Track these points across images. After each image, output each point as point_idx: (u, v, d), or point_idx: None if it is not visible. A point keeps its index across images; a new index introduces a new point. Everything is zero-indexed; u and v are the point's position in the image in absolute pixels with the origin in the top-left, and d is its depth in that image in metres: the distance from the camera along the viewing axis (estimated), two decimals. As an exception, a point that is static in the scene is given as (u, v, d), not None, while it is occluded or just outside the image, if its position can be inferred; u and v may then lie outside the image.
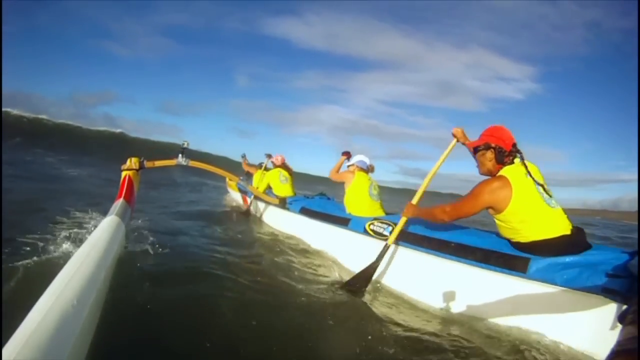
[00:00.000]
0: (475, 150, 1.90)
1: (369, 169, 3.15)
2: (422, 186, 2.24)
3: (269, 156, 5.42)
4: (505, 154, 1.77)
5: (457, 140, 2.20)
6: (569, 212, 1.71)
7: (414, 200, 2.20)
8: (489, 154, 1.80)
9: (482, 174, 1.92)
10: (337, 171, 3.26)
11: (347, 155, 3.26)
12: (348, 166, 3.17)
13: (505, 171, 1.72)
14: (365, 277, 2.13)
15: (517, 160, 1.76)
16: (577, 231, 1.66)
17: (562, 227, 1.63)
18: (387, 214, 2.89)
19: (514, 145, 1.80)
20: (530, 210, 1.63)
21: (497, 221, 1.75)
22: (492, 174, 1.81)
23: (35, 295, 0.98)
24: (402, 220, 2.18)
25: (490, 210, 1.73)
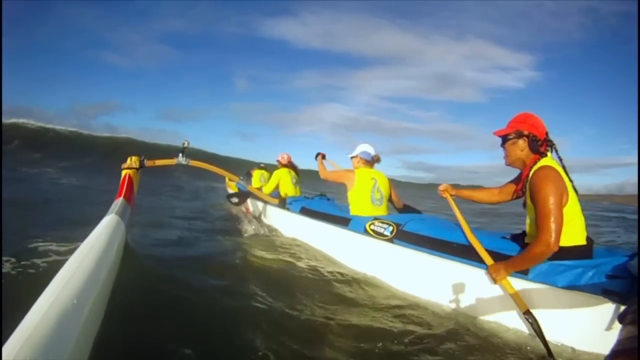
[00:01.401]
0: (503, 140, 1.72)
1: (373, 160, 2.89)
2: (473, 243, 1.76)
3: (252, 171, 5.95)
4: (540, 143, 1.61)
5: (451, 195, 2.13)
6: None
7: (488, 260, 1.66)
8: (522, 143, 1.64)
9: (509, 164, 1.75)
10: (325, 169, 3.11)
11: (322, 156, 3.21)
12: (351, 157, 2.93)
13: (547, 161, 1.56)
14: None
15: (549, 154, 1.62)
16: (589, 242, 1.57)
17: (582, 236, 1.55)
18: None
19: (547, 134, 1.64)
20: (575, 210, 1.50)
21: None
22: (525, 165, 1.66)
23: (34, 294, 0.97)
24: (510, 289, 1.59)
25: None
